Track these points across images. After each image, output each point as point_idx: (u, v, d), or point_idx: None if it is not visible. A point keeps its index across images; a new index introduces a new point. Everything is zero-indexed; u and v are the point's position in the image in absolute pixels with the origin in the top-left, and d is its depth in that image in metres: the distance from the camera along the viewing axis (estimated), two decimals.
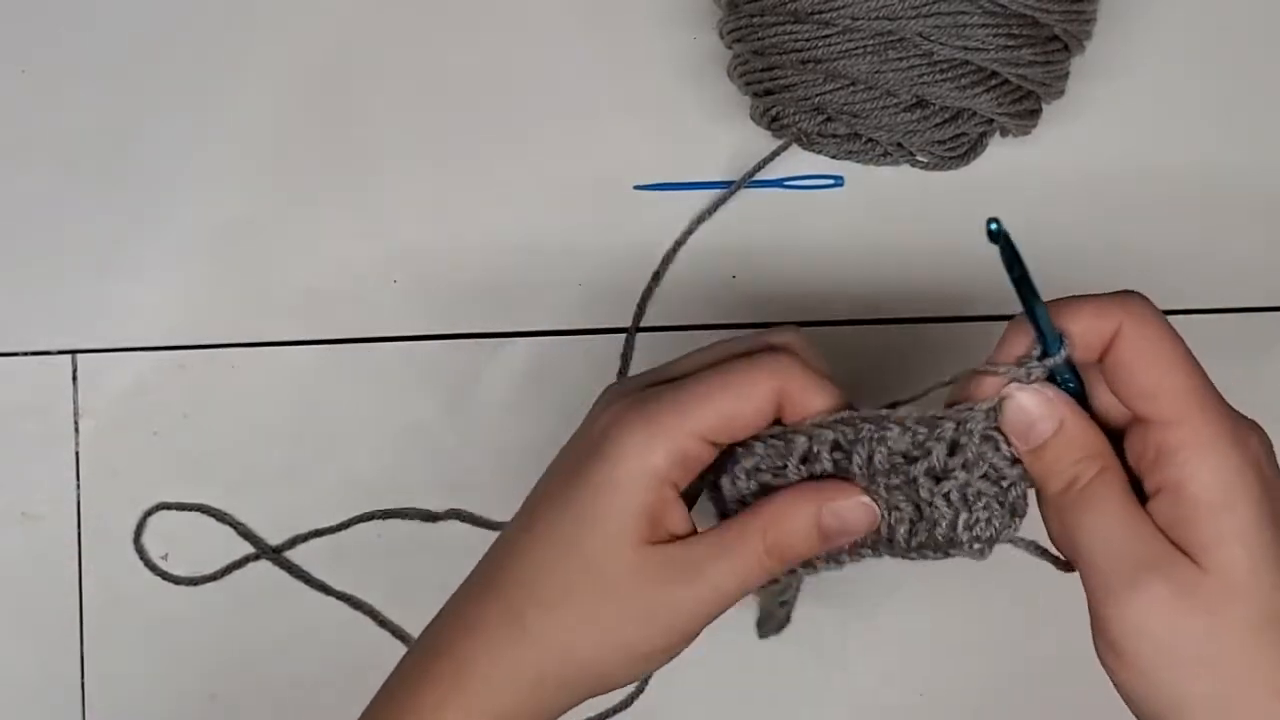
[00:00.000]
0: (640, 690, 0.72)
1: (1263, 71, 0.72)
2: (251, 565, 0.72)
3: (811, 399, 0.52)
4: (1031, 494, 0.52)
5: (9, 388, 0.72)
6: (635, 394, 0.53)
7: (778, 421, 0.52)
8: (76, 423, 0.72)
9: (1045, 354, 0.50)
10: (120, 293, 0.72)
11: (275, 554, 0.72)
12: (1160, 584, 0.47)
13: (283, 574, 0.72)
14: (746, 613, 0.72)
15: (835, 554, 0.53)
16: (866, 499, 0.52)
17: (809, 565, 0.53)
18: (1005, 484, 0.51)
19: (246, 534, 0.72)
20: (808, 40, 0.64)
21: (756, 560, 0.52)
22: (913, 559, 0.53)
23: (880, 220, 0.72)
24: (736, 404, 0.51)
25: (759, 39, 0.66)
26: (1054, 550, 0.52)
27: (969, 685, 0.72)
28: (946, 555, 0.52)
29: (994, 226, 0.49)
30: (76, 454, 0.72)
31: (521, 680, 0.52)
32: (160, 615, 0.72)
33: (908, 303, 0.72)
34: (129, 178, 0.72)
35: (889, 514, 0.52)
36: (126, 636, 0.72)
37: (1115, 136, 0.72)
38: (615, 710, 0.72)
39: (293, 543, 0.72)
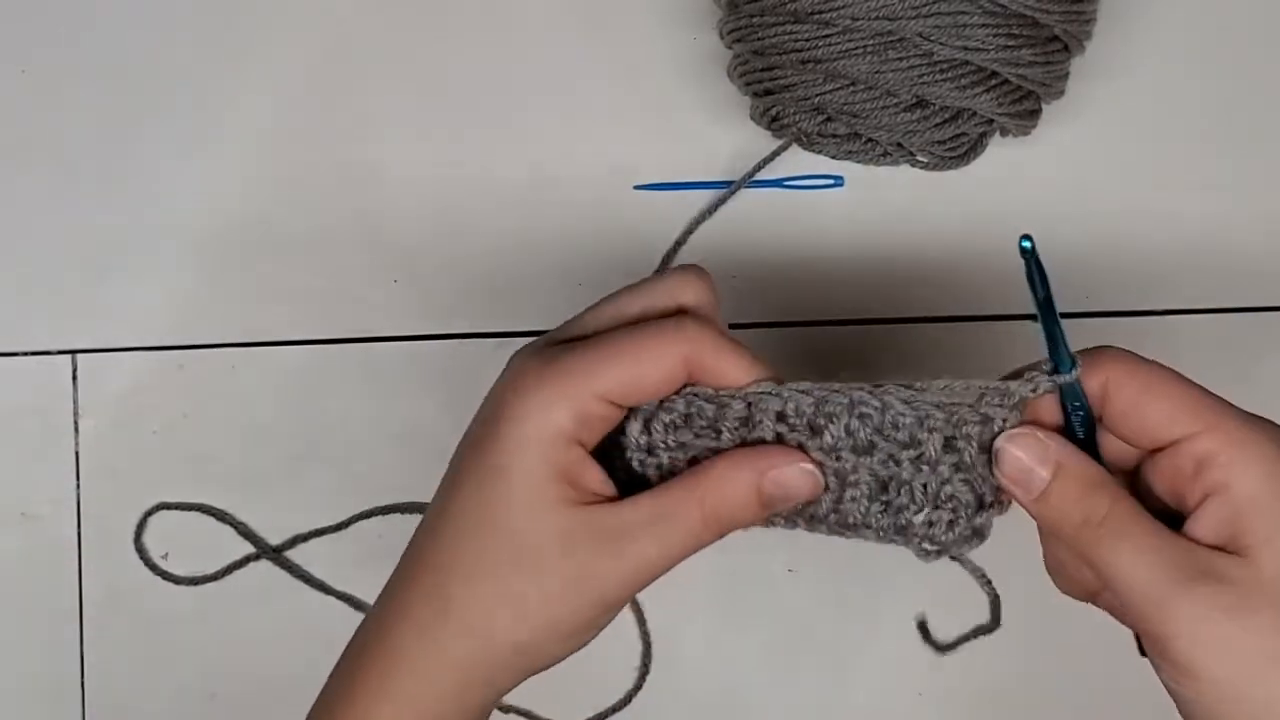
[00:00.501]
0: (638, 688, 0.72)
1: (1263, 71, 0.72)
2: (251, 565, 0.72)
3: (726, 368, 0.50)
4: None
5: (9, 388, 0.72)
6: (541, 351, 0.51)
7: (685, 386, 0.51)
8: (76, 423, 0.72)
9: (1056, 372, 0.49)
10: (120, 293, 0.72)
11: (276, 553, 0.72)
12: (1216, 586, 0.46)
13: (282, 574, 0.72)
14: (745, 612, 0.72)
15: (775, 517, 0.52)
16: (810, 465, 0.50)
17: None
18: (982, 502, 0.50)
19: (246, 533, 0.72)
20: (808, 40, 0.64)
21: (692, 528, 0.50)
22: (847, 536, 0.51)
23: (880, 220, 0.72)
24: (643, 367, 0.50)
25: (759, 39, 0.66)
26: (989, 585, 0.52)
27: (969, 685, 0.72)
28: (889, 540, 0.51)
29: (1027, 244, 0.49)
30: (76, 454, 0.72)
31: (447, 666, 0.50)
32: (160, 615, 0.72)
33: (907, 303, 0.72)
34: (129, 178, 0.72)
35: (843, 489, 0.51)
36: (126, 636, 0.72)
37: (1115, 136, 0.72)
38: (614, 709, 0.72)
39: (293, 542, 0.72)
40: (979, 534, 0.51)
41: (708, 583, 0.71)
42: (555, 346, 0.51)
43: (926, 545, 0.51)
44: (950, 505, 0.50)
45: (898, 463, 0.50)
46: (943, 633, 0.72)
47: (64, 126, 0.72)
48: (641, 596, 0.59)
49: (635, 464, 0.52)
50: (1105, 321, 0.71)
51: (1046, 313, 0.49)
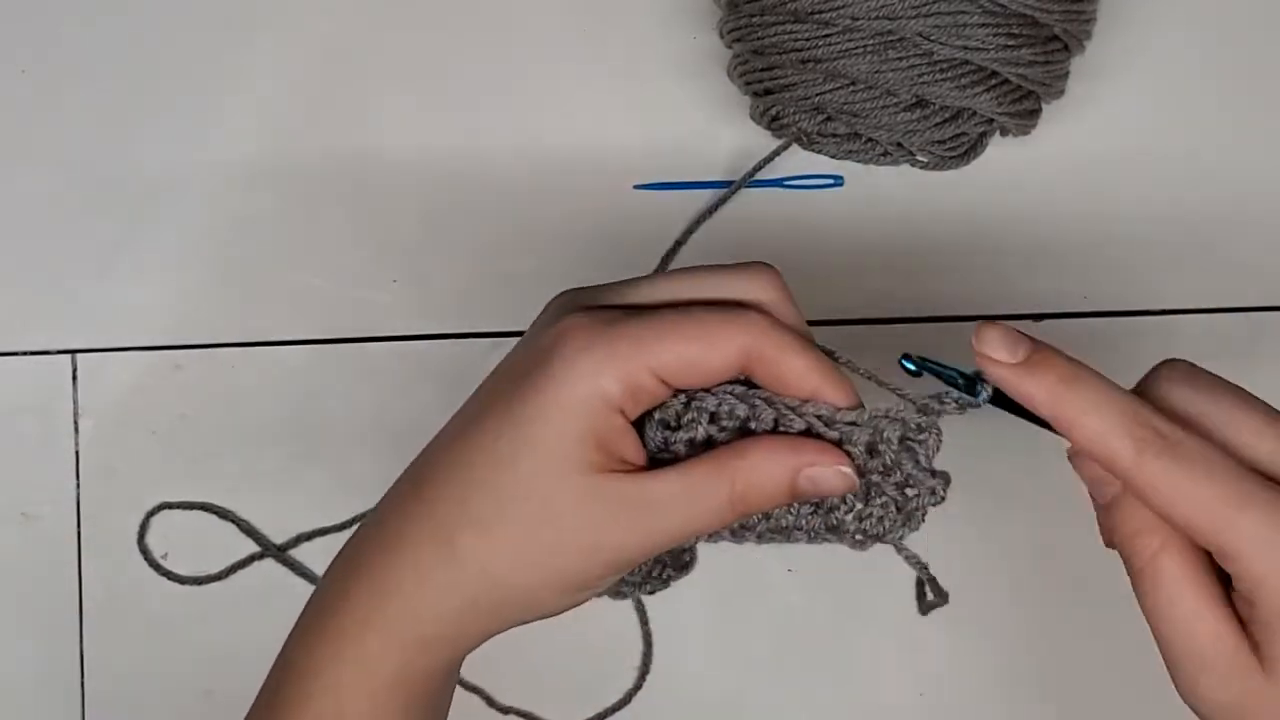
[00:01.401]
0: (638, 687, 0.72)
1: (1263, 71, 0.72)
2: (251, 565, 0.72)
3: (789, 364, 0.49)
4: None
5: (9, 388, 0.72)
6: (594, 312, 0.49)
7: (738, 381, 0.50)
8: (76, 423, 0.72)
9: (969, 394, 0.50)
10: (120, 293, 0.72)
11: (280, 552, 0.72)
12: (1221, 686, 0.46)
13: (282, 573, 0.72)
14: (745, 612, 0.72)
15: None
16: (848, 469, 0.49)
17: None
18: (909, 491, 0.50)
19: (250, 532, 0.72)
20: (808, 40, 0.64)
21: (719, 507, 0.49)
22: (775, 541, 0.51)
23: (880, 220, 0.72)
24: (704, 351, 0.48)
25: (759, 39, 0.66)
26: (930, 576, 0.51)
27: (969, 685, 0.72)
28: (821, 540, 0.51)
29: (910, 365, 0.50)
30: (76, 454, 0.72)
31: (448, 604, 0.49)
32: (160, 614, 0.72)
33: (907, 303, 0.72)
34: (129, 178, 0.72)
35: None
36: (126, 636, 0.72)
37: (1115, 136, 0.72)
38: (613, 709, 0.72)
39: (296, 541, 0.72)
40: (910, 522, 0.51)
41: (708, 582, 0.71)
42: (610, 310, 0.50)
43: (859, 537, 0.51)
44: (880, 501, 0.50)
45: None
46: (943, 632, 0.72)
47: (64, 126, 0.72)
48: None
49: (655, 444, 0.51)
50: (1105, 321, 0.71)
51: (952, 376, 0.50)
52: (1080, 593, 0.70)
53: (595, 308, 0.50)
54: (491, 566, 0.49)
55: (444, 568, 0.49)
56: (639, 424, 0.50)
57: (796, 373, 0.49)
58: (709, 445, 0.50)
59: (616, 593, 0.56)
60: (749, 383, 0.50)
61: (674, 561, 0.55)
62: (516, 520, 0.48)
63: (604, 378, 0.47)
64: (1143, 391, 0.49)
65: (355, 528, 0.67)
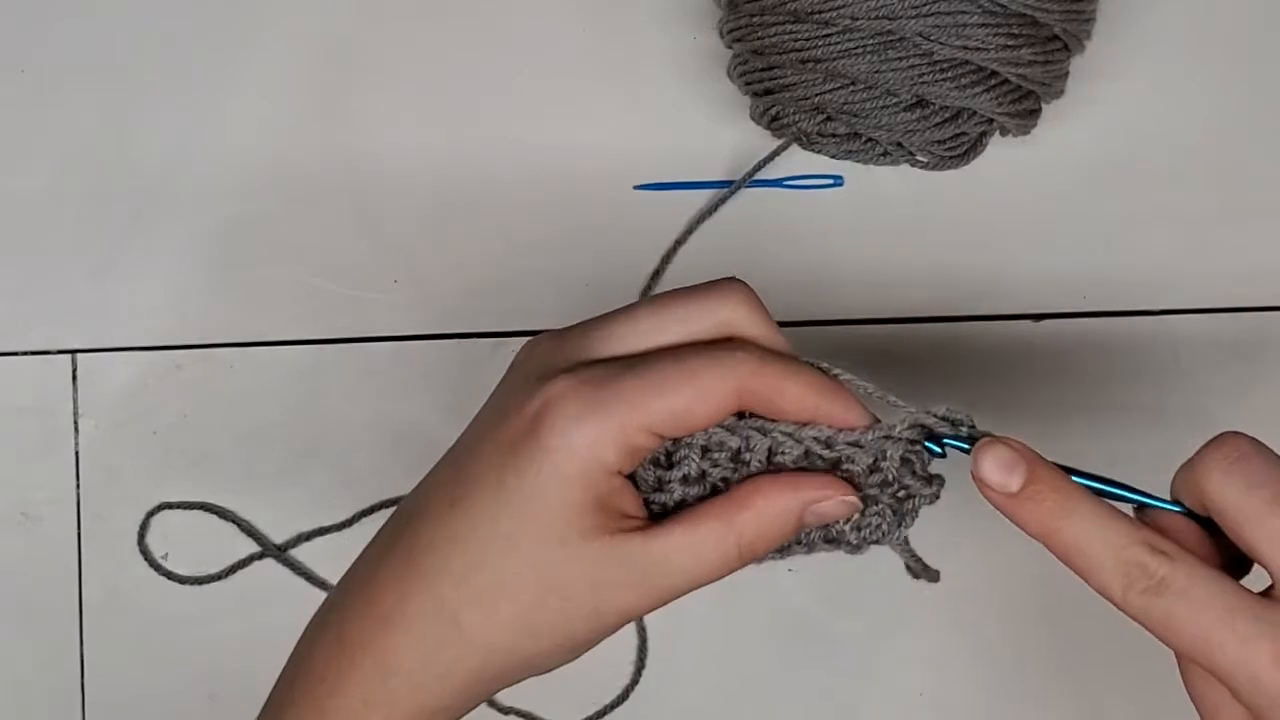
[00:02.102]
0: (635, 683, 0.72)
1: (1263, 71, 0.72)
2: (251, 565, 0.72)
3: (783, 394, 0.48)
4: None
5: (9, 388, 0.72)
6: (579, 372, 0.48)
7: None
8: (76, 423, 0.72)
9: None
10: (120, 293, 0.72)
11: (280, 552, 0.72)
12: None
13: (282, 573, 0.72)
14: (744, 611, 0.72)
15: None
16: (853, 498, 0.49)
17: None
18: (903, 496, 0.50)
19: (250, 532, 0.72)
20: (808, 40, 0.64)
21: (726, 561, 0.48)
22: (774, 558, 0.51)
23: (880, 220, 0.72)
24: (695, 401, 0.48)
25: (759, 39, 0.66)
26: (919, 558, 0.52)
27: (969, 685, 0.72)
28: (818, 550, 0.51)
29: (938, 450, 0.50)
30: (76, 454, 0.72)
31: (453, 680, 0.49)
32: (160, 615, 0.72)
33: (907, 303, 0.72)
34: (129, 178, 0.72)
35: None
36: (126, 636, 0.72)
37: (1115, 136, 0.72)
38: (611, 707, 0.72)
39: (296, 541, 0.72)
40: (903, 523, 0.51)
41: None
42: (595, 367, 0.48)
43: (855, 543, 0.51)
44: (876, 510, 0.50)
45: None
46: (943, 632, 0.72)
47: (64, 126, 0.72)
48: None
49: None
50: (1105, 321, 0.71)
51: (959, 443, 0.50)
52: (1081, 593, 0.70)
53: (578, 366, 0.49)
54: (498, 641, 0.49)
55: (449, 647, 0.49)
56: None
57: (794, 400, 0.49)
58: (703, 478, 0.49)
59: None
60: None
61: None
62: (522, 595, 0.48)
63: (601, 447, 0.47)
64: (1189, 469, 0.48)
65: (356, 526, 0.66)
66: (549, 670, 0.51)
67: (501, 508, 0.48)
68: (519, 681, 0.51)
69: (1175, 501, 0.49)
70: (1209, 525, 0.48)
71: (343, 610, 0.51)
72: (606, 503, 0.48)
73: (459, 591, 0.48)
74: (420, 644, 0.49)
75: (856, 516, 0.50)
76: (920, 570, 0.52)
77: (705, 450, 0.49)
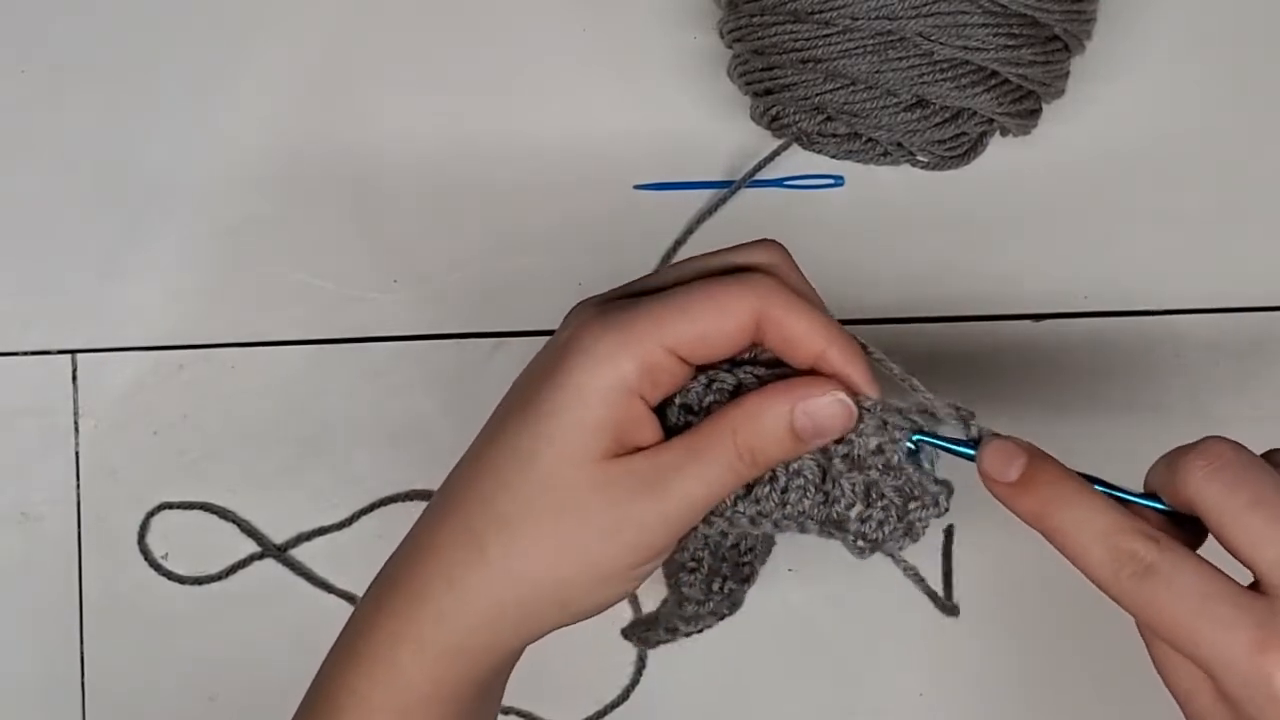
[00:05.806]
0: (635, 683, 0.72)
1: (1263, 71, 0.72)
2: (251, 565, 0.72)
3: (795, 323, 0.49)
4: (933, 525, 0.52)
5: (9, 388, 0.72)
6: (606, 304, 0.50)
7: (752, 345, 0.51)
8: (76, 423, 0.72)
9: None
10: (120, 293, 0.72)
11: (280, 552, 0.72)
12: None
13: (282, 573, 0.72)
14: (744, 611, 0.72)
15: (720, 510, 0.51)
16: (843, 394, 0.50)
17: (708, 522, 0.52)
18: (912, 502, 0.51)
19: (250, 532, 0.72)
20: (808, 40, 0.64)
21: (728, 464, 0.49)
22: (792, 529, 0.52)
23: (880, 220, 0.72)
24: (716, 320, 0.49)
25: (759, 39, 0.66)
26: (930, 586, 0.52)
27: (969, 685, 0.72)
28: (828, 533, 0.52)
29: (917, 451, 0.51)
30: (76, 454, 0.72)
31: (478, 608, 0.50)
32: (160, 615, 0.72)
33: (907, 302, 0.72)
34: (129, 177, 0.72)
35: (789, 477, 0.51)
36: (126, 636, 0.72)
37: (1115, 136, 0.72)
38: (611, 707, 0.72)
39: (297, 541, 0.72)
40: (910, 533, 0.51)
41: None
42: (621, 300, 0.50)
43: (860, 542, 0.51)
44: (881, 504, 0.51)
45: (830, 457, 0.51)
46: (943, 632, 0.72)
47: (64, 126, 0.72)
48: (640, 592, 0.59)
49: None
50: (1105, 321, 0.71)
51: (959, 448, 0.51)
52: (1080, 593, 0.70)
53: (605, 303, 0.51)
54: (518, 563, 0.49)
55: (473, 570, 0.50)
56: (660, 412, 0.50)
57: (802, 332, 0.50)
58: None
59: (672, 630, 0.57)
60: (771, 368, 0.51)
61: (734, 574, 0.56)
62: (539, 513, 0.49)
63: (620, 361, 0.48)
64: (1169, 465, 0.49)
65: (356, 526, 0.67)
66: (579, 613, 0.51)
67: (525, 428, 0.49)
68: (550, 626, 0.51)
69: (1153, 496, 0.50)
70: (1194, 524, 0.49)
71: (398, 551, 0.53)
72: (625, 429, 0.49)
73: (484, 515, 0.50)
74: (447, 571, 0.50)
75: (860, 507, 0.51)
76: (935, 601, 0.52)
77: (735, 394, 0.50)
